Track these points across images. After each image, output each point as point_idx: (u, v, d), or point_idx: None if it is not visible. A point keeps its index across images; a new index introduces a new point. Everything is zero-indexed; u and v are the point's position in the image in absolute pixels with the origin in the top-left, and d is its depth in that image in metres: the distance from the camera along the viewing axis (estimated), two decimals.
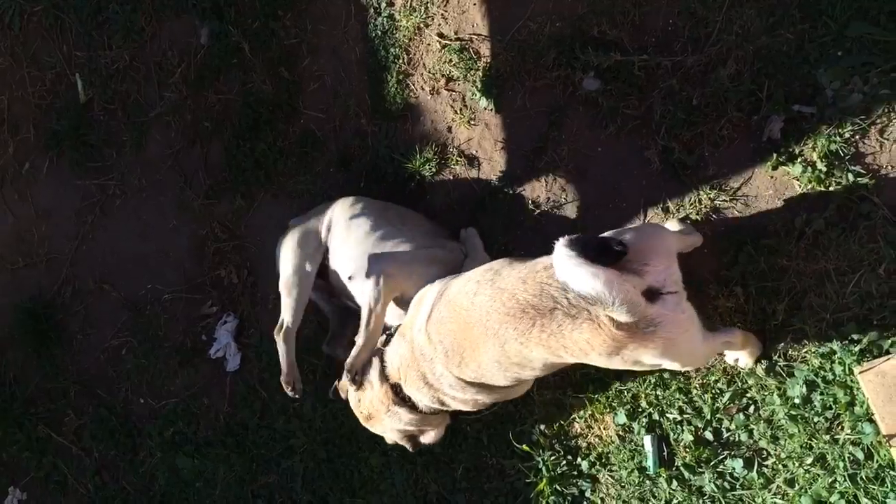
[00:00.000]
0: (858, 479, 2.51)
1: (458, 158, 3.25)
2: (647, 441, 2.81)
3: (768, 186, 2.76)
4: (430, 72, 3.31)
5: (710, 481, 2.73)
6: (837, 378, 2.57)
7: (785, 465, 2.64)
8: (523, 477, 3.02)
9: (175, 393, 3.72)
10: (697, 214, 2.84)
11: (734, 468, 2.70)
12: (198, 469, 3.61)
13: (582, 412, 2.96)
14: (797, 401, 2.62)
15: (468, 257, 3.00)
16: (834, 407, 2.57)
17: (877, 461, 2.50)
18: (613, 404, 2.90)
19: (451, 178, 3.26)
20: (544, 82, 3.09)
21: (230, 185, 3.66)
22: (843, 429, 2.56)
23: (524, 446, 3.00)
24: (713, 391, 2.76)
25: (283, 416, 3.47)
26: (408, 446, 2.87)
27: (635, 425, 2.87)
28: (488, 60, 3.19)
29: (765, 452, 2.68)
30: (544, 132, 3.09)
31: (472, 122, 3.23)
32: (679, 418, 2.79)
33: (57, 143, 4.05)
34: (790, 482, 2.63)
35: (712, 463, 2.74)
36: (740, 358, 2.67)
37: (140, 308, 3.83)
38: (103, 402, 3.86)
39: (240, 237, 3.65)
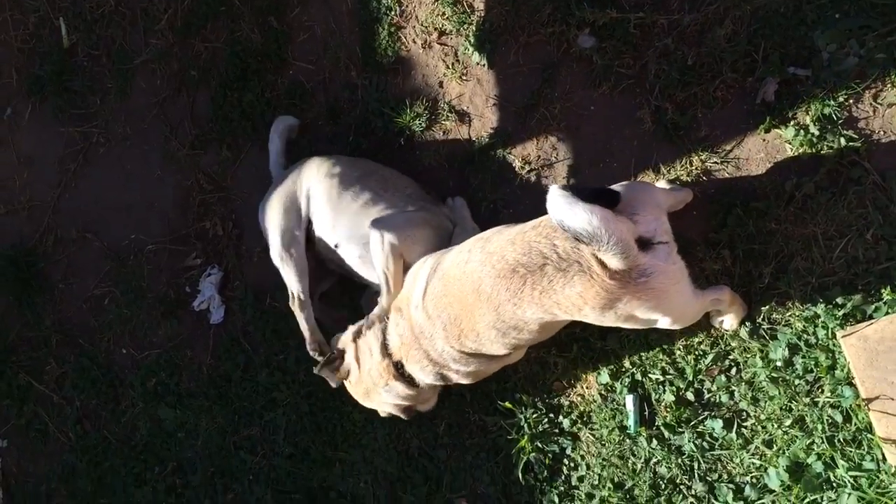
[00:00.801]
0: (836, 441, 2.54)
1: (449, 114, 3.21)
2: (629, 400, 2.82)
3: (760, 149, 2.75)
4: (422, 25, 3.25)
5: (689, 441, 2.75)
6: (820, 342, 2.59)
7: (764, 427, 2.67)
8: (505, 434, 3.03)
9: (158, 344, 3.70)
10: (688, 176, 2.82)
11: (714, 429, 2.73)
12: (180, 420, 3.61)
13: (565, 371, 2.96)
14: (779, 363, 2.64)
15: (457, 227, 2.99)
16: (815, 370, 2.59)
17: (855, 424, 2.53)
18: (597, 364, 2.91)
19: (441, 133, 3.23)
20: (538, 38, 3.04)
21: (216, 135, 3.61)
22: (822, 392, 2.58)
23: (507, 403, 3.01)
24: (696, 353, 2.77)
25: (266, 369, 3.46)
26: (402, 416, 2.90)
27: (618, 385, 2.88)
28: (482, 14, 3.14)
29: (744, 414, 2.71)
30: (537, 89, 3.05)
31: (464, 78, 3.18)
32: (661, 379, 2.80)
33: (40, 89, 3.97)
34: (768, 443, 2.65)
35: (692, 423, 2.76)
36: (725, 319, 2.68)
37: (123, 258, 3.80)
38: (85, 351, 3.84)
39: (225, 189, 3.61)
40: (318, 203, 3.03)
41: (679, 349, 2.79)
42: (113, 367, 3.79)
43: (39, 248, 3.97)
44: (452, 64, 3.20)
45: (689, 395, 2.77)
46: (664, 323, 2.34)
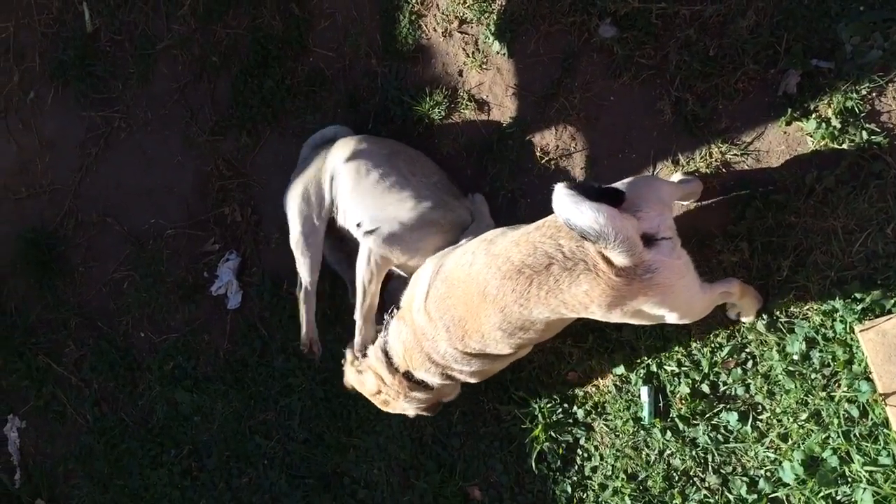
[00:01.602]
0: (852, 435, 2.53)
1: (468, 103, 3.21)
2: (644, 392, 2.82)
3: (781, 142, 2.73)
4: (443, 13, 3.25)
5: (704, 433, 2.75)
6: (838, 336, 2.58)
7: (779, 420, 2.66)
8: (519, 423, 3.04)
9: (176, 328, 3.74)
10: (707, 168, 2.81)
11: (729, 421, 2.72)
12: (196, 404, 3.64)
13: (580, 362, 2.97)
14: (796, 357, 2.63)
15: (472, 224, 2.99)
16: (832, 364, 2.58)
17: (871, 419, 2.51)
18: (612, 355, 2.91)
19: (461, 122, 3.23)
20: (559, 27, 3.04)
21: (237, 121, 3.63)
22: (839, 386, 2.57)
23: (521, 393, 3.02)
24: (712, 345, 2.76)
25: (282, 354, 3.49)
26: (429, 413, 2.92)
27: (633, 376, 2.88)
28: (503, 3, 3.13)
29: (760, 407, 2.70)
30: (557, 79, 3.05)
31: (484, 66, 3.18)
32: (677, 370, 2.80)
33: (62, 73, 4.00)
34: (784, 437, 2.65)
35: (707, 415, 2.76)
36: (742, 311, 2.67)
37: (143, 242, 3.83)
38: (104, 334, 3.88)
39: (245, 175, 3.63)
40: (344, 181, 3.02)
41: (695, 341, 2.79)
42: (131, 351, 3.83)
43: (60, 231, 4.01)
44: (472, 53, 3.20)
45: (705, 388, 2.76)
46: (672, 318, 2.34)
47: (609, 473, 2.91)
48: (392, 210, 2.91)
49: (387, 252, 2.86)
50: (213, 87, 3.69)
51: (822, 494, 2.55)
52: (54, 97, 4.06)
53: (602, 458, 2.93)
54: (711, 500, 2.73)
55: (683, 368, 2.80)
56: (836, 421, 2.56)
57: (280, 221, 3.52)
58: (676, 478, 2.79)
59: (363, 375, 2.86)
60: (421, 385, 2.75)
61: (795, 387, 2.62)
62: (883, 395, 2.46)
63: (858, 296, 2.54)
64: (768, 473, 2.66)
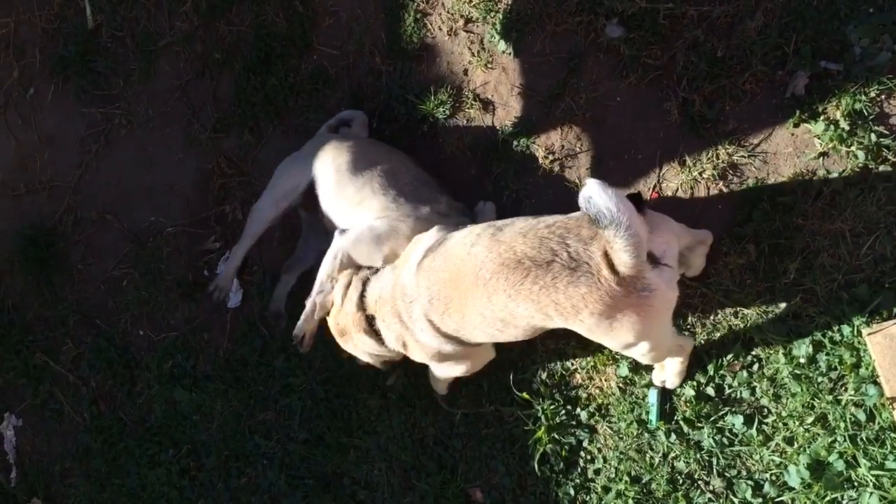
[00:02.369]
0: (859, 439, 2.52)
1: (473, 102, 3.19)
2: (652, 394, 2.80)
3: (788, 144, 2.72)
4: (448, 11, 3.23)
5: (708, 436, 2.73)
6: (845, 339, 2.56)
7: (785, 424, 2.64)
8: (521, 424, 3.02)
9: (175, 326, 3.71)
10: (714, 169, 2.80)
11: (734, 424, 2.71)
12: (195, 403, 3.61)
13: (584, 363, 2.95)
14: (802, 360, 2.61)
15: None
16: (839, 368, 2.57)
17: (878, 423, 2.50)
18: (616, 356, 2.89)
19: (465, 122, 3.21)
20: (566, 27, 3.02)
21: (239, 119, 3.60)
22: (846, 390, 2.56)
23: (524, 394, 3.00)
24: (718, 347, 2.75)
25: (282, 354, 3.46)
26: (380, 367, 2.94)
27: (637, 378, 2.86)
28: (509, 2, 3.12)
29: (766, 410, 2.68)
30: (563, 79, 3.03)
31: (490, 66, 3.17)
32: None
33: (63, 69, 3.97)
34: (789, 440, 2.63)
35: (712, 418, 2.74)
36: (668, 378, 2.74)
37: (142, 240, 3.80)
38: (102, 332, 3.84)
39: (246, 173, 3.60)
40: (324, 189, 3.06)
41: (700, 343, 2.77)
42: (130, 349, 3.80)
43: (59, 228, 3.98)
44: (478, 52, 3.18)
45: (710, 390, 2.75)
46: (641, 350, 2.36)
47: (612, 476, 2.88)
48: (364, 216, 2.93)
49: (352, 251, 2.89)
50: (216, 85, 3.66)
51: (827, 498, 2.53)
52: (55, 93, 4.03)
53: (605, 461, 2.90)
54: None
55: (689, 371, 2.78)
56: (842, 425, 2.54)
57: (281, 220, 3.50)
58: (680, 481, 2.77)
59: (331, 295, 2.88)
60: (376, 335, 2.73)
61: (802, 390, 2.61)
62: (890, 398, 2.45)
63: (866, 299, 2.53)
64: (774, 477, 2.64)
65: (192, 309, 3.68)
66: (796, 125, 2.70)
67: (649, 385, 2.82)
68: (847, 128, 2.60)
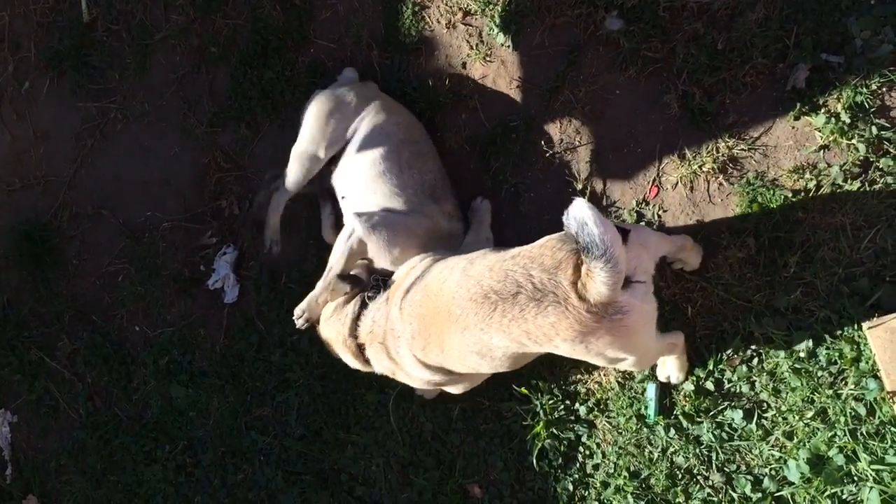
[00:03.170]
0: (859, 434, 2.50)
1: (472, 95, 3.16)
2: (651, 389, 2.79)
3: (789, 137, 2.70)
4: (446, 4, 3.21)
5: (708, 431, 2.72)
6: (845, 333, 2.55)
7: (785, 418, 2.63)
8: (520, 419, 3.00)
9: (171, 322, 3.68)
10: (714, 163, 2.78)
11: (733, 419, 2.69)
12: (192, 399, 3.59)
13: None
14: (802, 354, 2.60)
15: (471, 229, 2.98)
16: (839, 362, 2.55)
17: (878, 417, 2.49)
18: None
19: (464, 115, 3.19)
20: (565, 20, 3.00)
21: (235, 113, 3.58)
22: (846, 384, 2.54)
23: (523, 389, 2.98)
24: (717, 342, 2.73)
25: (279, 349, 3.44)
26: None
27: (636, 373, 2.84)
28: None
29: (765, 405, 2.67)
30: (562, 72, 3.01)
31: (488, 59, 3.14)
32: None
33: (58, 63, 3.94)
34: (789, 435, 2.62)
35: (711, 413, 2.72)
36: (671, 374, 2.72)
37: (138, 235, 3.77)
38: (98, 328, 3.82)
39: (243, 167, 3.58)
40: (355, 141, 3.02)
41: (700, 338, 2.75)
42: (125, 345, 3.78)
43: (54, 223, 3.96)
44: (476, 45, 3.16)
45: (709, 385, 2.73)
46: (628, 363, 2.34)
47: (611, 471, 2.87)
48: (380, 200, 2.90)
49: (368, 239, 2.84)
50: (212, 79, 3.64)
51: (827, 493, 2.52)
52: (50, 87, 4.00)
53: (604, 456, 2.89)
54: (715, 499, 2.70)
55: (689, 365, 2.76)
56: (842, 419, 2.53)
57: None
58: (680, 476, 2.76)
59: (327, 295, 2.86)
60: (364, 360, 2.72)
61: (801, 384, 2.59)
62: (890, 392, 2.43)
63: (866, 293, 2.51)
64: (773, 472, 2.63)
65: (188, 304, 3.66)
66: (797, 118, 2.68)
67: (647, 380, 2.80)
68: (848, 120, 2.59)
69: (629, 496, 2.81)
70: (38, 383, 3.96)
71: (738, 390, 2.70)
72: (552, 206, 3.01)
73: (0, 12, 4.10)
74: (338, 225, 3.19)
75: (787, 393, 2.63)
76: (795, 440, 2.61)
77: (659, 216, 2.86)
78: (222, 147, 3.62)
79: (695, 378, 2.75)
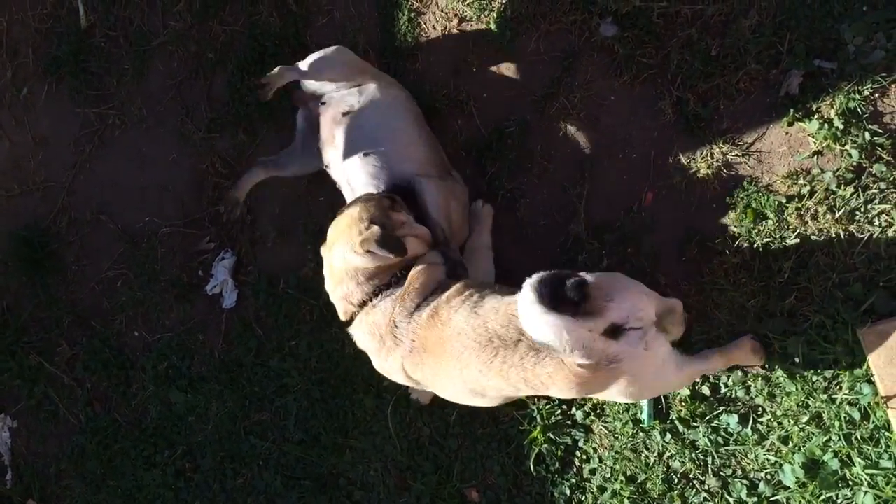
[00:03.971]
0: (853, 438, 2.52)
1: (468, 101, 3.18)
2: None
3: (783, 142, 2.72)
4: (442, 10, 3.22)
5: (703, 436, 2.73)
6: (839, 338, 2.55)
7: (780, 423, 2.64)
8: (517, 424, 3.02)
9: (170, 327, 3.70)
10: (709, 168, 2.79)
11: (729, 423, 2.70)
12: (191, 404, 3.60)
13: None
14: (797, 359, 2.61)
15: (472, 233, 2.99)
16: (833, 367, 2.56)
17: (873, 422, 2.50)
18: None
19: (460, 121, 3.20)
20: (560, 26, 3.01)
21: (233, 119, 3.59)
22: (841, 389, 2.55)
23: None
24: (713, 346, 2.74)
25: (277, 354, 3.45)
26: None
27: None
28: (503, 2, 3.11)
29: (760, 409, 2.68)
30: (557, 77, 3.02)
31: (484, 65, 3.16)
32: None
33: (56, 69, 3.96)
34: (784, 439, 2.63)
35: (707, 418, 2.74)
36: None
37: (137, 240, 3.79)
38: (97, 333, 3.83)
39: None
40: (362, 106, 2.95)
41: (695, 342, 2.76)
42: (125, 350, 3.79)
43: (53, 228, 3.97)
44: (472, 51, 3.17)
45: (705, 390, 2.74)
46: (644, 396, 2.41)
47: (608, 476, 2.88)
48: (416, 168, 2.84)
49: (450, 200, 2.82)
50: (210, 84, 3.65)
51: (822, 498, 2.53)
52: (48, 93, 4.02)
53: (601, 461, 2.90)
54: (711, 503, 2.72)
55: None
56: (837, 424, 2.54)
57: (276, 220, 3.50)
58: (676, 480, 2.77)
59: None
60: (349, 322, 2.64)
61: (796, 389, 2.60)
62: (884, 397, 2.45)
63: (860, 298, 2.53)
64: (769, 476, 2.64)
65: (187, 310, 3.68)
66: (790, 124, 2.69)
67: None
68: (841, 126, 2.60)
69: (626, 500, 2.83)
70: (37, 388, 3.97)
71: (733, 395, 2.71)
72: (548, 212, 3.03)
73: None
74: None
75: (782, 398, 2.64)
76: (790, 445, 2.62)
77: (654, 222, 2.87)
78: (220, 153, 3.63)
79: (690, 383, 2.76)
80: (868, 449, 2.49)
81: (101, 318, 3.85)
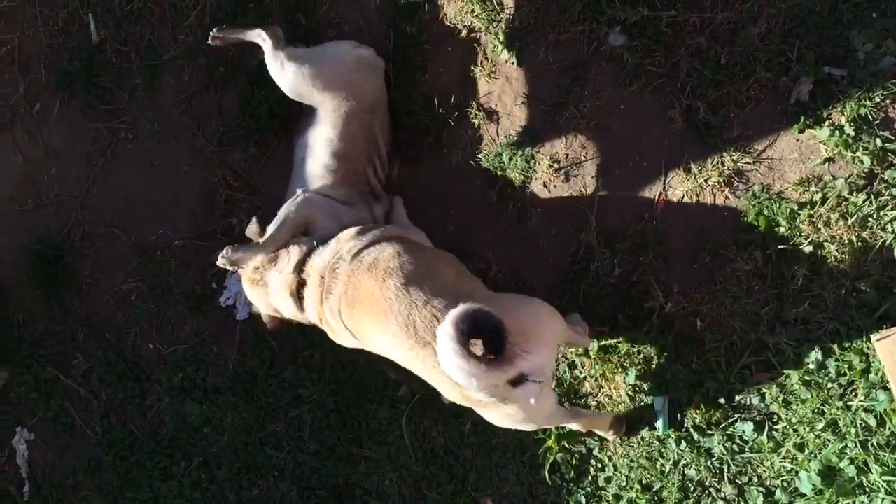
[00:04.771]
0: (870, 445, 2.52)
1: (477, 112, 3.19)
2: (658, 402, 2.81)
3: (794, 149, 2.72)
4: (451, 22, 3.24)
5: (719, 443, 2.74)
6: (853, 345, 2.56)
7: (795, 430, 2.64)
8: (531, 433, 3.02)
9: (184, 339, 3.72)
10: (720, 176, 2.80)
11: (744, 431, 2.71)
12: (206, 415, 3.63)
13: (593, 371, 2.95)
14: (812, 366, 2.61)
15: (393, 223, 3.04)
16: (848, 373, 2.57)
17: (889, 428, 2.50)
18: (625, 364, 2.90)
19: (469, 132, 3.21)
20: (568, 36, 3.02)
21: (244, 132, 3.61)
22: (856, 395, 2.56)
23: None
24: (727, 354, 2.75)
25: (291, 365, 3.47)
26: (267, 325, 3.01)
27: (645, 386, 2.86)
28: (512, 12, 3.12)
29: (776, 417, 2.68)
30: (566, 87, 3.03)
31: (493, 76, 3.17)
32: (692, 380, 2.78)
33: (68, 84, 3.98)
34: (800, 447, 2.63)
35: (722, 425, 2.74)
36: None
37: (150, 254, 3.81)
38: (112, 345, 3.86)
39: (253, 185, 3.61)
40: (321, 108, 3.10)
41: (709, 351, 2.77)
42: (139, 362, 3.82)
43: (67, 242, 4.00)
44: (481, 62, 3.19)
45: (720, 398, 2.75)
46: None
47: (623, 484, 2.89)
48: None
49: (310, 199, 2.97)
50: (220, 98, 3.67)
51: None
52: (60, 108, 4.04)
53: (616, 469, 2.91)
54: None
55: (698, 378, 2.78)
56: (853, 431, 2.54)
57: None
58: (692, 488, 2.78)
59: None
60: (300, 300, 2.73)
61: (811, 396, 2.61)
62: None
63: (874, 304, 2.53)
64: (785, 484, 2.65)
65: (200, 322, 3.70)
66: (801, 131, 2.70)
67: (654, 393, 2.82)
68: (852, 133, 2.60)
69: None
70: (53, 401, 4.00)
71: (748, 402, 2.72)
72: (559, 222, 3.04)
73: (10, 35, 4.15)
74: None
75: (798, 405, 2.64)
76: (807, 452, 2.62)
77: (665, 230, 2.87)
78: (232, 165, 3.65)
79: (705, 391, 2.76)
80: (885, 455, 2.50)
81: (115, 330, 3.87)
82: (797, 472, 2.61)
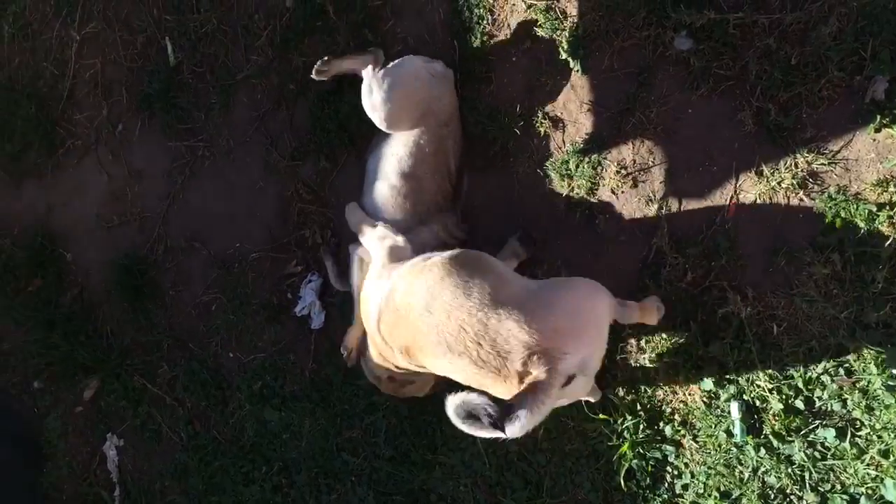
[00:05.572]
0: None
1: (543, 121, 3.21)
2: (734, 408, 2.78)
3: (870, 150, 2.66)
4: (514, 33, 3.26)
5: (800, 450, 2.69)
6: None
7: (879, 436, 2.58)
8: (605, 440, 3.03)
9: (262, 348, 3.85)
10: (794, 178, 2.75)
11: (825, 438, 2.66)
12: (285, 422, 3.74)
13: (666, 377, 2.94)
14: (895, 371, 2.55)
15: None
16: None
17: None
18: (700, 370, 2.87)
19: (535, 140, 3.24)
20: (633, 42, 3.02)
21: (315, 146, 3.72)
22: None
23: (600, 415, 3.01)
24: (806, 359, 2.70)
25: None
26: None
27: (722, 392, 2.83)
28: (575, 20, 3.13)
29: (858, 423, 2.63)
30: (632, 93, 3.03)
31: (558, 84, 3.18)
32: (769, 386, 2.74)
33: (148, 105, 4.17)
34: (885, 453, 2.57)
35: (803, 432, 2.70)
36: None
37: (229, 266, 3.96)
38: (195, 355, 4.02)
39: (324, 198, 3.72)
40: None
41: (787, 356, 2.72)
42: (221, 371, 3.97)
43: (150, 257, 4.19)
44: (546, 70, 3.20)
45: (799, 404, 2.70)
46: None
47: (701, 491, 2.87)
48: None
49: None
50: (292, 114, 3.79)
51: None
52: (141, 129, 4.24)
53: (693, 476, 2.89)
54: None
55: (776, 384, 2.74)
56: None
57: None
58: (772, 496, 2.74)
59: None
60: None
61: (895, 402, 2.54)
62: None
63: None
64: (869, 491, 2.59)
65: (277, 331, 3.82)
66: (877, 130, 2.63)
67: (731, 399, 2.79)
68: None
69: None
70: (141, 409, 4.19)
71: (829, 408, 2.67)
72: (628, 229, 3.03)
73: (93, 60, 4.37)
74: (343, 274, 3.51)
75: (881, 410, 2.58)
76: (892, 458, 2.56)
77: (738, 235, 2.84)
78: (304, 179, 3.76)
79: (783, 396, 2.72)
80: None
81: (197, 340, 4.04)
82: (882, 479, 2.55)
